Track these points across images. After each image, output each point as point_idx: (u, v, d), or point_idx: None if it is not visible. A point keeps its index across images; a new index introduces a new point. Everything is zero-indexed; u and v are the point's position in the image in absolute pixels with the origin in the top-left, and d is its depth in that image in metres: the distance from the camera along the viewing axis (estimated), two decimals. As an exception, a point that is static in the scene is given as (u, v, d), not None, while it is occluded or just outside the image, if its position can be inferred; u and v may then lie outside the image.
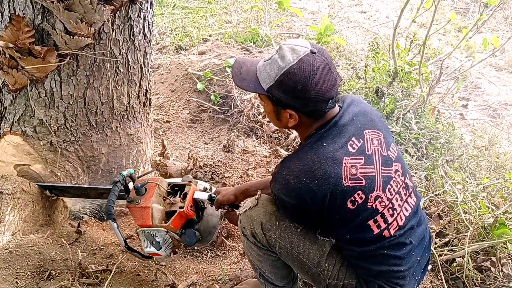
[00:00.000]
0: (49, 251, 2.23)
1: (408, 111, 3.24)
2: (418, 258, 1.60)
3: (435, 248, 2.32)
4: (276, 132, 3.28)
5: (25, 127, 2.49)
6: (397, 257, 1.53)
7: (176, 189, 2.11)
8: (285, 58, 1.41)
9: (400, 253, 1.53)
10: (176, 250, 2.05)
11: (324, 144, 1.46)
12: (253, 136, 3.35)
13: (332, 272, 1.61)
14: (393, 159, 1.54)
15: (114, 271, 2.16)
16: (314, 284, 1.72)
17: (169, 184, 2.12)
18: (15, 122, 2.50)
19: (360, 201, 1.44)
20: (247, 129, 3.42)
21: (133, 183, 2.01)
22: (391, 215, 1.50)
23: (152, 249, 1.97)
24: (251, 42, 5.05)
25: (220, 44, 4.80)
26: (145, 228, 1.98)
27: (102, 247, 2.42)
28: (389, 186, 1.50)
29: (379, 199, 1.47)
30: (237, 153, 3.07)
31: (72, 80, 2.44)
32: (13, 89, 2.43)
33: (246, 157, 3.04)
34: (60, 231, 2.45)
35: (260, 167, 2.95)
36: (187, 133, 3.86)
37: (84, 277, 2.13)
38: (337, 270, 1.61)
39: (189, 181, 2.06)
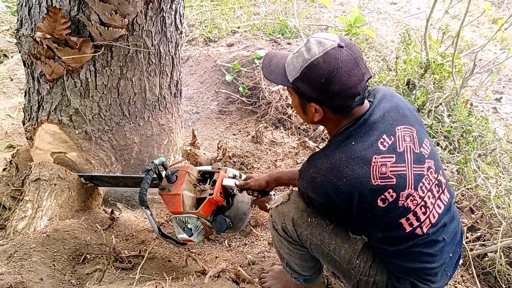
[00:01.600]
0: (84, 236, 2.30)
1: (440, 104, 3.18)
2: (450, 254, 1.58)
3: (466, 243, 2.29)
4: (304, 123, 3.28)
5: (61, 116, 2.57)
6: (429, 255, 1.51)
7: (206, 177, 2.14)
8: (310, 51, 1.41)
9: (432, 251, 1.51)
10: (209, 236, 2.08)
11: (353, 142, 1.44)
12: (281, 128, 3.36)
13: (364, 269, 1.61)
14: (426, 156, 1.51)
15: (146, 257, 2.21)
16: (344, 279, 1.73)
17: (199, 171, 2.15)
18: (52, 111, 2.58)
19: (391, 200, 1.42)
20: (275, 120, 3.43)
21: (165, 171, 2.05)
22: (424, 213, 1.48)
23: (185, 236, 2.00)
24: (279, 33, 5.04)
25: (248, 36, 4.81)
26: (177, 215, 2.02)
27: (134, 234, 2.48)
28: (421, 184, 1.47)
29: (411, 197, 1.45)
30: (265, 144, 3.09)
31: (106, 70, 2.51)
32: (50, 79, 2.51)
33: (275, 148, 3.05)
34: (94, 217, 2.52)
35: (288, 158, 2.96)
36: (215, 124, 3.90)
37: (118, 262, 2.20)
38: (368, 267, 1.61)
39: (219, 168, 2.08)
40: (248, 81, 4.01)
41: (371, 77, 1.48)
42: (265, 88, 3.73)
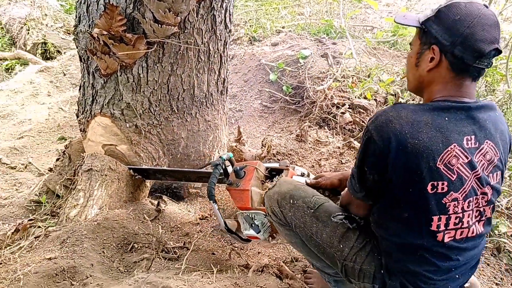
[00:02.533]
0: (132, 226, 2.39)
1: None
2: (457, 276, 1.52)
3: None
4: (349, 123, 3.26)
5: (113, 110, 2.67)
6: (435, 266, 1.46)
7: (274, 174, 2.13)
8: None
9: (440, 264, 1.45)
10: (274, 235, 2.07)
11: (446, 118, 1.37)
12: (326, 127, 3.34)
13: (349, 255, 1.59)
14: (489, 183, 1.44)
15: (192, 248, 2.27)
16: (332, 266, 1.69)
17: (266, 168, 2.15)
18: (105, 105, 2.68)
19: (440, 191, 1.36)
20: (319, 120, 3.42)
21: (232, 166, 2.07)
22: (455, 224, 1.42)
23: (251, 232, 2.00)
24: (324, 33, 5.02)
25: (293, 36, 4.82)
26: (244, 211, 2.02)
27: (179, 226, 2.55)
28: (470, 199, 1.41)
29: (455, 203, 1.39)
30: (309, 143, 3.09)
31: (157, 67, 2.58)
32: (105, 73, 2.62)
33: (319, 147, 3.04)
34: (142, 208, 2.61)
35: (333, 158, 2.95)
36: (258, 123, 3.94)
37: (164, 252, 2.27)
38: (354, 254, 1.58)
39: (287, 166, 2.07)
40: (292, 80, 4.02)
41: (501, 52, 1.41)
42: (310, 87, 3.72)
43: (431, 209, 1.39)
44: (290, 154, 2.97)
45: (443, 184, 1.36)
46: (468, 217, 1.43)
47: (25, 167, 3.57)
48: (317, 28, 5.22)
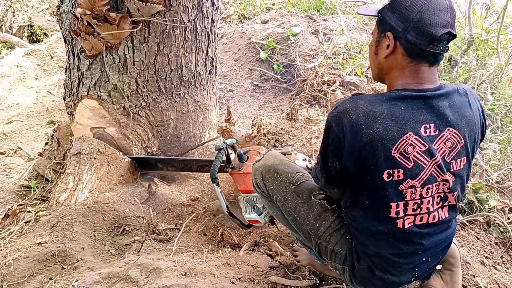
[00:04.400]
0: (123, 208, 2.37)
1: (484, 81, 3.05)
2: (424, 258, 1.54)
3: (508, 224, 2.21)
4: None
5: (100, 92, 2.62)
6: (399, 249, 1.48)
7: None
8: None
9: (404, 248, 1.48)
10: (274, 220, 2.11)
11: (402, 108, 1.38)
12: (316, 105, 3.32)
13: (324, 234, 1.62)
14: (451, 170, 1.45)
15: (183, 230, 2.26)
16: (307, 244, 1.74)
17: None
18: (92, 87, 2.64)
19: (396, 179, 1.38)
20: (310, 98, 3.39)
21: (235, 152, 2.09)
22: (413, 210, 1.44)
23: (253, 215, 2.02)
24: (315, 10, 4.94)
25: (283, 13, 4.74)
26: (246, 194, 2.05)
27: (170, 207, 2.54)
28: (429, 185, 1.42)
29: (413, 189, 1.41)
30: (300, 122, 3.07)
31: (143, 46, 2.53)
32: (90, 55, 2.56)
33: (310, 126, 3.02)
34: (132, 191, 2.59)
35: (323, 135, 2.93)
36: (249, 102, 3.90)
37: (155, 234, 2.26)
38: (328, 234, 1.61)
39: (290, 152, 2.09)
40: (282, 59, 3.97)
41: (455, 36, 1.42)
42: (300, 65, 3.68)
43: (389, 196, 1.41)
44: (281, 133, 2.95)
45: (398, 172, 1.38)
46: (428, 203, 1.45)
47: (15, 152, 3.53)
48: (308, 4, 5.13)
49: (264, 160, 1.80)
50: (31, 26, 5.74)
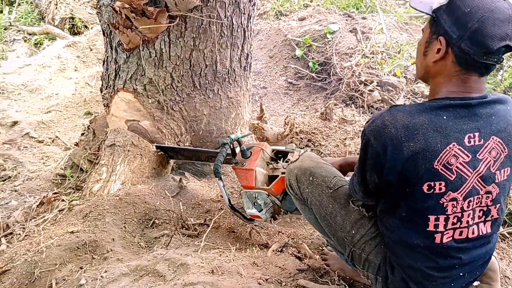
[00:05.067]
0: (154, 201, 2.39)
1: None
2: (462, 274, 1.47)
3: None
4: (377, 102, 3.15)
5: (136, 85, 2.65)
6: (435, 263, 1.42)
7: (279, 156, 2.15)
8: None
9: (441, 262, 1.42)
10: (276, 216, 2.10)
11: (445, 117, 1.32)
12: (352, 105, 3.24)
13: (359, 242, 1.57)
14: (496, 181, 1.38)
15: (212, 226, 2.26)
16: (340, 249, 1.68)
17: (273, 150, 2.17)
18: (128, 80, 2.66)
19: (437, 191, 1.33)
20: (346, 97, 3.32)
21: (240, 146, 2.08)
22: (453, 224, 1.37)
23: (254, 211, 2.03)
24: (354, 8, 4.84)
25: (321, 10, 4.67)
26: (248, 190, 2.05)
27: (200, 202, 2.54)
28: (471, 198, 1.36)
29: (454, 203, 1.35)
30: (334, 122, 3.01)
31: (180, 41, 2.53)
32: (127, 48, 2.59)
33: (344, 126, 2.96)
34: (164, 184, 2.61)
35: (358, 137, 2.86)
36: (282, 100, 3.86)
37: (184, 228, 2.27)
38: (364, 242, 1.57)
39: (293, 149, 2.09)
40: (318, 56, 3.90)
41: None
42: (337, 63, 3.61)
43: (428, 209, 1.36)
44: (314, 132, 2.90)
45: (440, 184, 1.33)
46: (468, 216, 1.38)
47: (52, 141, 3.63)
48: (347, 2, 5.04)
49: (300, 162, 1.76)
50: (73, 18, 5.89)
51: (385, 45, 3.90)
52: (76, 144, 3.08)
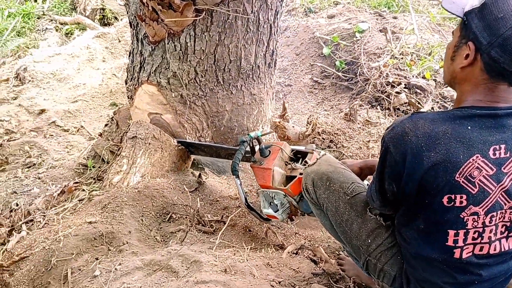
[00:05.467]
0: (172, 196, 2.39)
1: None
2: None
3: None
4: (404, 104, 3.06)
5: (160, 78, 2.65)
6: (453, 278, 1.36)
7: (299, 156, 2.12)
8: None
9: (459, 277, 1.35)
10: (293, 217, 2.07)
11: (469, 127, 1.26)
12: (378, 107, 3.17)
13: (374, 251, 1.52)
14: None
15: (228, 223, 2.24)
16: (355, 256, 1.63)
17: (292, 150, 2.14)
18: (152, 73, 2.66)
19: (457, 205, 1.27)
20: (372, 99, 3.25)
21: (259, 145, 2.06)
22: (474, 239, 1.31)
23: (270, 211, 2.01)
24: (385, 6, 4.73)
25: (351, 8, 4.58)
26: (265, 189, 2.03)
27: (218, 199, 2.53)
28: (494, 213, 1.29)
29: (475, 217, 1.28)
30: (358, 123, 2.94)
31: (205, 36, 2.51)
32: (153, 41, 2.59)
33: (369, 128, 2.89)
34: (183, 179, 2.60)
35: (382, 140, 2.79)
36: (307, 99, 3.81)
37: (200, 224, 2.25)
38: (380, 252, 1.52)
39: (312, 150, 2.05)
40: (346, 55, 3.83)
41: None
42: (364, 63, 3.53)
43: (447, 223, 1.31)
44: (337, 133, 2.84)
45: (461, 197, 1.27)
46: (490, 232, 1.32)
47: (77, 130, 3.68)
48: (378, 0, 4.93)
49: (318, 166, 1.72)
50: (103, 9, 5.96)
51: (416, 46, 3.80)
52: (100, 135, 3.11)
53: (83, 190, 2.52)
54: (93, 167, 2.81)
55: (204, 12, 2.44)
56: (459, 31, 1.34)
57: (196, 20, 2.46)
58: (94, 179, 2.68)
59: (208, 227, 2.24)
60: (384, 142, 1.37)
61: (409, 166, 1.29)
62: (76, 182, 2.60)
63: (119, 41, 5.08)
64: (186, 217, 2.27)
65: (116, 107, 3.91)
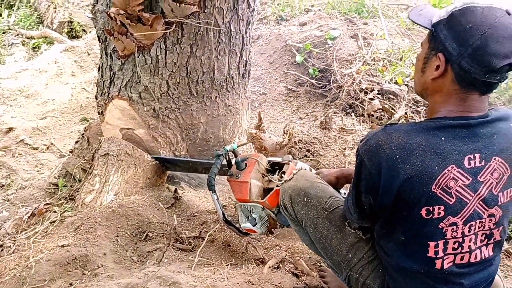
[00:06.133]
0: (148, 214, 2.32)
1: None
2: None
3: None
4: (378, 110, 3.08)
5: (131, 93, 2.59)
6: None
7: (276, 168, 2.09)
8: (474, 1, 1.24)
9: None
10: (272, 230, 2.04)
11: (443, 138, 1.26)
12: (352, 114, 3.17)
13: (356, 265, 1.51)
14: (498, 203, 1.31)
15: (207, 239, 2.19)
16: (336, 271, 1.62)
17: (269, 162, 2.10)
18: (123, 87, 2.60)
19: (436, 216, 1.26)
20: (346, 106, 3.25)
21: (236, 158, 2.02)
22: (454, 249, 1.31)
23: (248, 225, 1.97)
24: (355, 13, 4.78)
25: (322, 15, 4.61)
26: (243, 203, 1.99)
27: (196, 214, 2.47)
28: (472, 223, 1.29)
29: (454, 227, 1.28)
30: (334, 131, 2.94)
31: (176, 48, 2.47)
32: (122, 55, 2.53)
33: (344, 135, 2.89)
34: (158, 195, 2.54)
35: (358, 147, 2.79)
36: (282, 107, 3.80)
37: (178, 242, 2.19)
38: (361, 266, 1.50)
39: (289, 161, 2.02)
40: (319, 63, 3.84)
41: None
42: (337, 70, 3.54)
43: (427, 235, 1.30)
44: (313, 142, 2.83)
45: (439, 208, 1.26)
46: (470, 241, 1.32)
47: (47, 148, 3.57)
48: (348, 7, 4.98)
49: (294, 181, 1.69)
50: (71, 22, 5.83)
51: (387, 51, 3.84)
52: (71, 152, 3.02)
53: (55, 211, 2.43)
54: (64, 186, 2.71)
55: (174, 24, 2.40)
56: (427, 43, 1.34)
57: (167, 33, 2.41)
58: (66, 199, 2.59)
59: (186, 244, 2.19)
60: (359, 155, 1.36)
61: (385, 178, 1.28)
62: (47, 204, 2.50)
63: (88, 54, 4.97)
64: (163, 235, 2.21)
65: (87, 122, 3.81)
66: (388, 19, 4.59)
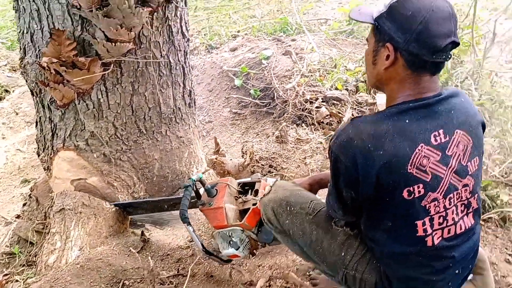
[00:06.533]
0: (119, 262, 2.19)
1: (466, 78, 3.05)
2: (457, 271, 1.47)
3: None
4: (327, 117, 3.17)
5: (77, 141, 2.47)
6: (432, 267, 1.41)
7: (247, 188, 2.08)
8: None
9: (436, 265, 1.41)
10: (254, 251, 2.00)
11: (407, 120, 1.32)
12: (303, 124, 3.24)
13: (351, 262, 1.53)
14: (469, 173, 1.40)
15: (188, 275, 2.10)
16: (332, 274, 1.62)
17: (239, 183, 2.09)
18: (67, 137, 2.48)
19: (417, 195, 1.32)
20: (295, 118, 3.32)
21: (204, 186, 1.97)
22: (440, 224, 1.37)
23: (231, 250, 1.92)
24: (281, 32, 4.95)
25: (250, 38, 4.72)
26: (221, 230, 1.94)
27: (169, 252, 2.37)
28: (451, 195, 1.37)
29: (436, 202, 1.34)
30: (291, 143, 2.98)
31: (117, 88, 2.41)
32: (61, 104, 2.41)
33: (301, 145, 2.93)
34: (125, 241, 2.42)
35: (317, 154, 2.85)
36: (231, 131, 3.80)
37: (159, 284, 2.08)
38: (355, 262, 1.53)
39: (259, 179, 2.02)
40: (258, 83, 3.91)
41: (458, 44, 1.35)
42: (278, 87, 3.62)
43: (413, 215, 1.35)
44: (274, 157, 2.85)
45: (418, 187, 1.32)
46: (453, 213, 1.39)
47: (-11, 218, 3.28)
48: (273, 27, 5.15)
49: (274, 193, 1.69)
50: (-9, 84, 5.52)
51: (320, 62, 3.99)
52: (18, 216, 2.81)
53: (17, 280, 2.22)
54: (21, 253, 2.50)
55: (112, 64, 2.34)
56: (373, 37, 1.42)
57: (105, 74, 2.34)
58: (25, 265, 2.39)
59: (168, 284, 2.08)
60: (332, 152, 1.39)
61: (362, 168, 1.31)
62: (6, 274, 2.29)
63: (17, 114, 4.71)
64: (141, 280, 2.09)
65: (29, 183, 3.57)
66: (313, 33, 4.80)
